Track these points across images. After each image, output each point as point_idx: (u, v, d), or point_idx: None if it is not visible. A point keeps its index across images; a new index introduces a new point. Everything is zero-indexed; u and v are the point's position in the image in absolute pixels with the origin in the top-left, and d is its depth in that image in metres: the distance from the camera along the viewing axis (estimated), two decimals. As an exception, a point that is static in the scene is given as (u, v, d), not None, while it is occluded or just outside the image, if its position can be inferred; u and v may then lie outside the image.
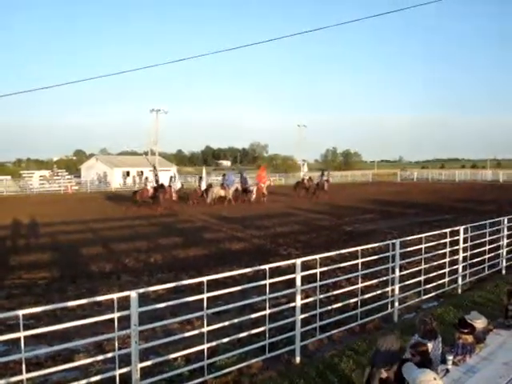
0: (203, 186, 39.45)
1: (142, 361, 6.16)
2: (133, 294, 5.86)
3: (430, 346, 6.38)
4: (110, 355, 6.12)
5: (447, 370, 6.02)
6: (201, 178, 41.27)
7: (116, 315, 5.80)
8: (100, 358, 6.20)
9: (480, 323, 7.20)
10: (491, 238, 13.32)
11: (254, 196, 40.20)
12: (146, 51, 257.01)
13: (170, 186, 36.66)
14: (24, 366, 5.29)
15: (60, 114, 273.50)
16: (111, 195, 52.33)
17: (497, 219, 14.14)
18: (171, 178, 39.11)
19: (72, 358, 7.64)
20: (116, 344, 5.88)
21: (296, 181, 50.48)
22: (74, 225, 26.15)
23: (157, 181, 36.70)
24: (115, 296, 5.92)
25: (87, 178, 69.42)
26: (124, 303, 6.07)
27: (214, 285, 7.99)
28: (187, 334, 6.91)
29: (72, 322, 5.91)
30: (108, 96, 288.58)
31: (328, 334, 8.64)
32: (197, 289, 7.29)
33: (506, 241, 13.70)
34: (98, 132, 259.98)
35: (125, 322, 6.04)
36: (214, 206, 36.99)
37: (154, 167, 40.45)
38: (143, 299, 8.37)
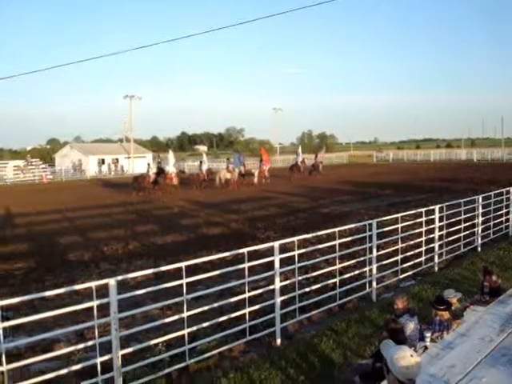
0: (204, 170, 39.80)
1: (122, 348, 6.18)
2: (111, 282, 5.85)
3: (411, 324, 6.50)
4: (90, 343, 6.10)
5: (425, 347, 6.14)
6: (201, 162, 41.35)
7: (95, 303, 5.79)
8: (81, 346, 6.18)
9: (456, 300, 7.35)
10: (466, 216, 13.51)
11: (256, 178, 40.90)
12: (118, 37, 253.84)
13: (169, 171, 36.81)
14: (4, 358, 5.26)
15: (32, 103, 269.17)
16: (91, 182, 51.88)
17: (471, 198, 14.35)
18: (159, 162, 39.13)
19: (52, 348, 7.62)
20: (96, 332, 5.87)
21: (290, 164, 51.45)
22: (51, 214, 25.89)
23: (159, 167, 37.29)
24: (93, 284, 5.91)
25: (62, 167, 68.57)
26: (103, 291, 6.05)
27: (193, 270, 8.00)
28: (167, 320, 6.92)
29: (51, 312, 5.87)
30: (80, 83, 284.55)
31: (307, 315, 8.73)
32: (176, 274, 7.29)
33: (480, 219, 13.91)
34: (71, 120, 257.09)
35: (105, 309, 6.03)
36: (222, 189, 37.41)
37: (158, 155, 42.34)
38: (122, 286, 8.37)
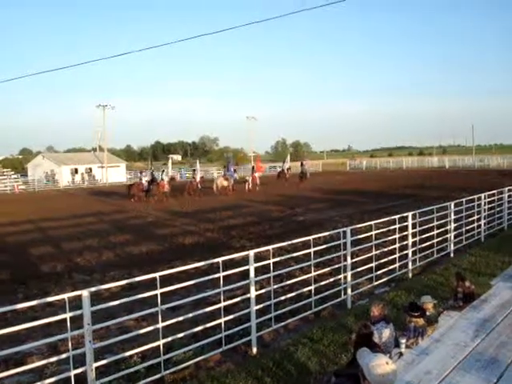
0: (198, 178, 40.83)
1: (97, 360, 6.09)
2: (84, 293, 5.78)
3: (387, 331, 6.53)
4: (64, 356, 6.01)
5: (401, 354, 6.18)
6: (195, 170, 42.74)
7: (68, 315, 5.71)
8: (54, 359, 6.08)
9: (431, 306, 7.41)
10: (439, 222, 13.65)
11: (249, 185, 42.15)
12: (91, 46, 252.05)
13: (162, 179, 38.19)
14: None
15: (4, 113, 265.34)
16: (64, 192, 51.27)
17: (444, 204, 14.51)
18: (163, 171, 40.21)
19: (25, 361, 7.50)
20: (70, 344, 5.79)
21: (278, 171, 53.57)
22: (22, 225, 25.52)
23: (152, 175, 38.65)
24: (66, 296, 5.83)
25: (34, 177, 67.74)
26: (77, 302, 5.98)
27: (168, 280, 7.94)
28: (142, 331, 6.85)
29: (24, 325, 5.76)
30: (53, 93, 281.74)
31: (283, 323, 8.71)
32: (151, 285, 7.23)
33: (453, 225, 14.06)
34: (44, 130, 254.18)
35: (79, 321, 5.95)
36: (219, 196, 38.23)
37: (151, 163, 46.76)
38: (96, 298, 8.28)
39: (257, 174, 44.56)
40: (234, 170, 42.68)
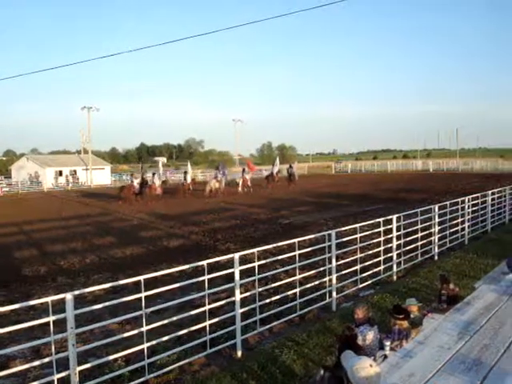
0: (189, 180, 41.99)
1: (80, 364, 6.04)
2: (68, 297, 5.73)
3: (371, 333, 6.54)
4: (47, 360, 5.95)
5: (385, 356, 6.18)
6: (186, 172, 43.49)
7: (51, 319, 5.65)
8: (37, 363, 6.03)
9: (415, 309, 7.43)
10: (423, 225, 13.73)
11: (240, 187, 43.49)
12: (75, 47, 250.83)
13: (153, 182, 38.80)
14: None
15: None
16: (48, 195, 50.90)
17: (428, 207, 14.60)
18: (154, 174, 41.08)
19: (8, 365, 7.42)
20: (53, 348, 5.74)
21: (266, 174, 53.49)
22: (5, 227, 25.30)
23: (142, 178, 38.82)
24: (49, 299, 5.77)
25: (18, 179, 67.25)
26: (61, 306, 5.92)
27: (152, 283, 7.91)
28: (126, 334, 6.82)
29: (6, 328, 5.70)
30: (37, 94, 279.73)
31: (268, 326, 8.69)
32: (135, 288, 7.19)
33: (437, 228, 14.14)
34: (28, 132, 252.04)
35: (63, 325, 5.90)
36: (210, 197, 38.57)
37: (142, 166, 48.15)
38: (80, 301, 8.22)
39: (248, 176, 45.22)
40: (223, 173, 42.90)
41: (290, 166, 51.45)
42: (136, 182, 37.73)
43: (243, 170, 46.92)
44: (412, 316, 7.16)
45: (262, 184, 47.28)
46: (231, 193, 41.50)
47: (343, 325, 6.50)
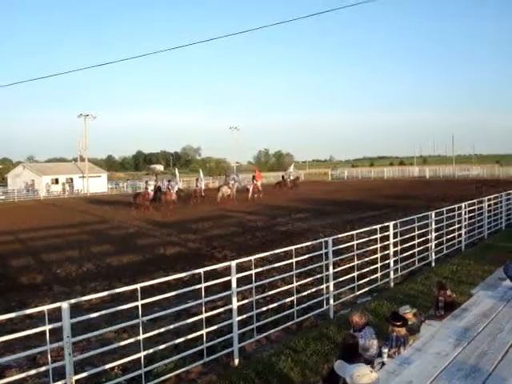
0: (203, 186, 43.81)
1: (77, 373, 6.02)
2: (64, 305, 5.71)
3: (374, 340, 6.54)
4: (43, 369, 5.92)
5: (383, 363, 6.17)
6: (197, 179, 44.83)
7: (47, 327, 5.63)
8: (33, 372, 5.99)
9: (412, 316, 7.43)
10: (420, 232, 13.74)
11: (250, 194, 43.95)
12: (72, 54, 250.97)
13: (168, 188, 38.57)
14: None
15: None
16: (44, 203, 50.81)
17: (424, 214, 14.61)
18: (169, 181, 41.09)
19: (4, 375, 7.40)
20: (49, 357, 5.72)
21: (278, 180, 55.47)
22: (3, 236, 25.24)
23: (156, 185, 39.47)
24: (46, 308, 5.75)
25: (14, 187, 67.16)
26: (57, 314, 5.91)
27: (149, 291, 7.89)
28: (123, 343, 6.78)
29: (2, 337, 5.68)
30: (34, 101, 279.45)
31: (265, 334, 8.67)
32: (132, 296, 7.17)
33: (434, 234, 14.16)
34: (24, 139, 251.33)
35: (59, 333, 5.88)
36: (221, 204, 38.97)
37: (156, 174, 51.58)
38: (76, 309, 8.19)
39: (258, 183, 46.06)
40: (236, 180, 44.46)
41: (297, 178, 52.71)
42: (150, 189, 38.27)
43: (253, 177, 47.47)
44: (409, 323, 7.16)
45: (273, 190, 48.05)
46: (242, 199, 41.97)
47: (345, 332, 6.48)
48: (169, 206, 36.79)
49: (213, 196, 40.72)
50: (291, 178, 51.18)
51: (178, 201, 39.02)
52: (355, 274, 10.97)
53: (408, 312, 7.44)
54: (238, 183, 44.70)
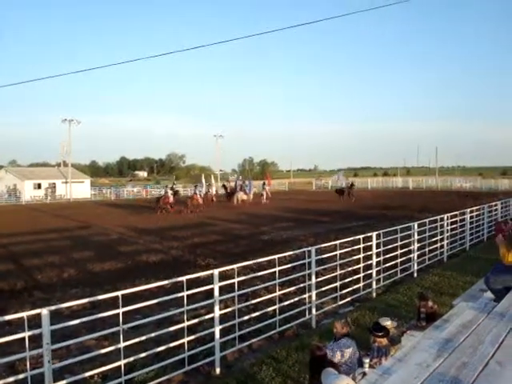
0: (214, 192, 47.55)
1: (56, 380, 5.96)
2: (44, 312, 5.65)
3: (350, 349, 6.53)
4: (22, 376, 5.86)
5: (364, 373, 6.17)
6: (209, 185, 48.46)
7: (27, 334, 5.57)
8: (11, 379, 5.91)
9: (393, 326, 7.44)
10: (403, 242, 13.80)
11: (264, 198, 48.69)
12: (57, 58, 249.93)
13: (195, 192, 42.50)
14: None
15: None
16: (26, 207, 50.34)
17: (407, 225, 14.69)
18: (196, 186, 45.90)
19: (-20, 382, 7.28)
20: (28, 364, 5.65)
21: (336, 188, 56.49)
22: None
23: (172, 188, 43.13)
24: (25, 314, 5.69)
25: (-4, 191, 66.57)
26: (37, 321, 5.84)
27: (131, 298, 7.83)
28: (103, 351, 6.72)
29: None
30: (17, 105, 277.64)
31: (247, 343, 8.64)
32: (113, 303, 7.11)
33: (416, 245, 14.24)
34: (7, 143, 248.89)
35: (39, 340, 5.81)
36: (237, 207, 42.90)
37: (175, 178, 60.72)
38: (56, 316, 8.09)
39: (267, 188, 51.25)
40: (240, 186, 47.28)
41: (352, 185, 52.01)
42: (170, 193, 40.90)
43: (263, 183, 52.83)
44: (391, 333, 7.17)
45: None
46: (255, 203, 45.53)
47: (311, 344, 6.46)
48: (196, 209, 39.92)
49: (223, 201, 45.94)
50: (348, 184, 52.36)
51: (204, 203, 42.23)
52: (338, 283, 10.98)
53: (389, 323, 7.45)
54: (249, 189, 47.69)
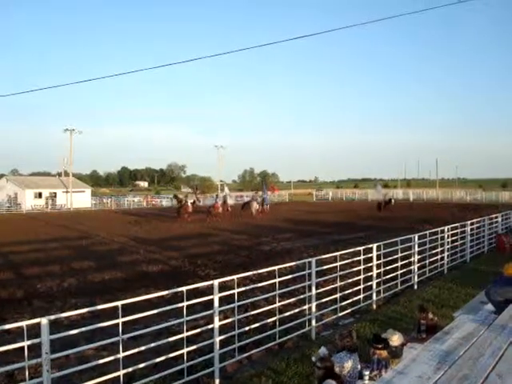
0: (229, 202, 48.47)
1: (54, 390, 5.92)
2: (43, 321, 5.64)
3: (349, 362, 6.50)
4: (20, 386, 5.84)
5: (364, 386, 6.14)
6: (225, 195, 49.92)
7: (26, 343, 5.56)
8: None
9: (395, 339, 7.41)
10: (403, 254, 13.77)
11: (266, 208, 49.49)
12: (59, 70, 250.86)
13: (216, 202, 44.95)
14: None
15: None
16: (27, 216, 50.31)
17: (408, 236, 14.67)
18: (216, 195, 49.66)
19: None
20: (27, 373, 5.63)
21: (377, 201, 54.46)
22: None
23: (197, 198, 46.74)
24: (24, 323, 5.68)
25: (-4, 200, 66.60)
26: (36, 330, 5.83)
27: (130, 309, 7.81)
28: (102, 361, 6.70)
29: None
30: (19, 115, 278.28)
31: (247, 354, 8.61)
32: (112, 313, 7.09)
33: (416, 257, 14.21)
34: (8, 152, 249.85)
35: (38, 349, 5.79)
36: (253, 217, 43.55)
37: (196, 187, 64.74)
38: (56, 326, 8.08)
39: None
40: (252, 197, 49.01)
41: (390, 200, 51.28)
42: (189, 203, 43.40)
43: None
44: (391, 345, 7.14)
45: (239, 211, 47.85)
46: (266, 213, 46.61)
47: (317, 354, 6.44)
48: (216, 217, 41.72)
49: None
50: (387, 198, 51.53)
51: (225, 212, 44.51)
52: (338, 295, 10.95)
53: (391, 336, 7.43)
54: (265, 198, 48.59)
